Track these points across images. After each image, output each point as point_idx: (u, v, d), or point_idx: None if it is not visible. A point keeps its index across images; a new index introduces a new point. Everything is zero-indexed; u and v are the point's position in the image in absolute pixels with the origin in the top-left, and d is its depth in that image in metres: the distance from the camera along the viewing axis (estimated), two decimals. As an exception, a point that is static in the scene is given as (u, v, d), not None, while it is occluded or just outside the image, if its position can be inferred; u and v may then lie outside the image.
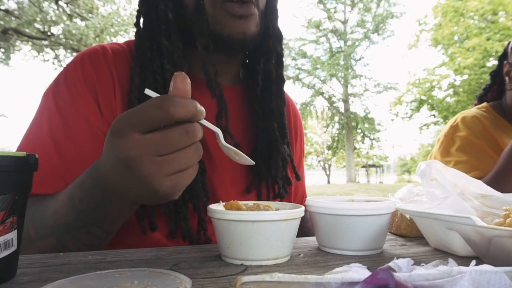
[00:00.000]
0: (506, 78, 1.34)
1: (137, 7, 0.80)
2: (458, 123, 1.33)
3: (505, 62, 1.36)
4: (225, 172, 0.79)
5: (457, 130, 1.32)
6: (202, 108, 0.48)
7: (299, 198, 0.99)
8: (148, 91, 0.48)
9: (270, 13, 0.80)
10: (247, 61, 0.91)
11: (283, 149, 0.82)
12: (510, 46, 1.36)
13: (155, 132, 0.46)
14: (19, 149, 0.71)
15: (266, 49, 0.81)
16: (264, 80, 0.83)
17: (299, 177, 0.89)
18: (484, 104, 1.41)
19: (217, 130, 0.53)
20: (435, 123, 17.27)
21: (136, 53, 0.76)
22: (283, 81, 0.84)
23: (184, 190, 0.68)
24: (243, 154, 0.55)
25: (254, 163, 0.56)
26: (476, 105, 1.53)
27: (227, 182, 0.80)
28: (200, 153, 0.49)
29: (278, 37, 0.82)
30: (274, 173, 0.82)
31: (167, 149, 0.46)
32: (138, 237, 0.71)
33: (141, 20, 0.78)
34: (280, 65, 0.83)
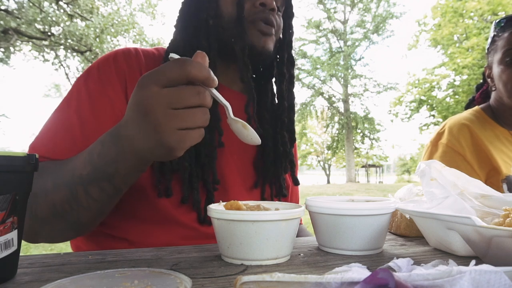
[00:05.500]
0: (489, 80, 1.37)
1: (177, 13, 0.90)
2: (445, 131, 1.35)
3: (485, 66, 1.40)
4: (235, 166, 0.86)
5: (441, 138, 1.35)
6: (215, 78, 0.53)
7: (294, 200, 1.03)
8: (172, 54, 0.54)
9: (286, 44, 0.94)
10: (256, 75, 1.01)
11: (291, 153, 0.92)
12: (486, 51, 1.39)
13: (170, 88, 0.51)
14: (49, 120, 0.77)
15: (281, 72, 0.94)
16: (278, 98, 0.95)
17: (298, 182, 0.98)
18: (476, 107, 1.43)
19: (227, 104, 0.57)
20: (435, 123, 17.26)
21: (171, 49, 0.85)
22: (294, 97, 0.96)
23: (197, 162, 0.78)
24: (251, 129, 0.58)
25: (260, 141, 0.60)
26: (467, 106, 1.55)
27: (236, 174, 0.86)
28: (207, 117, 0.53)
29: (292, 62, 0.96)
30: (280, 173, 0.90)
31: (178, 104, 0.51)
32: (149, 205, 0.76)
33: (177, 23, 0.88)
34: (291, 83, 0.95)
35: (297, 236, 0.63)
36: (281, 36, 0.94)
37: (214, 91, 0.55)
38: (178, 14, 0.90)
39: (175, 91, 0.51)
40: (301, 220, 0.65)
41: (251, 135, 0.58)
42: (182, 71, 0.51)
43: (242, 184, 0.87)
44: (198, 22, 0.84)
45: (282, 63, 0.94)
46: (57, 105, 0.80)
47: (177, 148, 0.53)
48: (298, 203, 1.05)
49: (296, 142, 1.15)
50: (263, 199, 0.89)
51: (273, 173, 0.90)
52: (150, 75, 0.53)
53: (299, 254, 0.58)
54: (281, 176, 0.91)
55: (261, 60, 0.89)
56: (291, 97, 0.96)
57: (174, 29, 0.89)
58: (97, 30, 11.85)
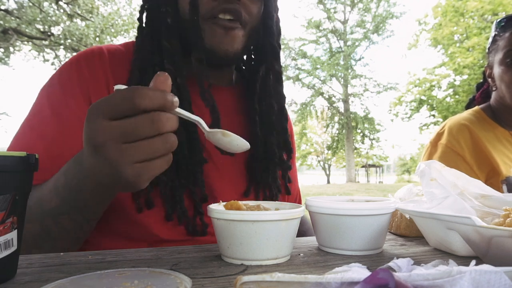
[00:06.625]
0: (489, 80, 1.37)
1: (140, 3, 0.81)
2: (444, 131, 1.35)
3: (486, 66, 1.40)
4: (224, 172, 0.81)
5: (441, 138, 1.34)
6: (174, 99, 0.48)
7: (293, 197, 1.00)
8: (117, 86, 0.49)
9: (265, 32, 0.83)
10: (244, 68, 0.94)
11: (281, 163, 0.85)
12: (486, 51, 1.39)
13: (121, 120, 0.46)
14: (10, 147, 0.72)
15: (264, 66, 0.84)
16: (263, 95, 0.85)
17: (290, 179, 0.91)
18: (476, 108, 1.43)
19: (198, 119, 0.52)
20: (435, 123, 17.27)
21: (137, 47, 0.78)
22: (283, 98, 0.85)
23: (180, 176, 0.71)
24: (233, 134, 0.53)
25: (249, 145, 0.54)
26: (468, 105, 1.55)
27: (227, 185, 0.81)
28: (170, 145, 0.48)
29: (275, 54, 0.84)
30: (271, 181, 0.84)
31: (131, 137, 0.46)
32: (130, 222, 0.71)
33: (144, 15, 0.80)
34: (279, 82, 0.85)
35: (300, 228, 0.61)
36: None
37: (179, 110, 0.49)
38: (141, 3, 0.81)
39: (125, 123, 0.46)
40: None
41: (235, 141, 0.53)
42: (131, 105, 0.45)
43: (234, 193, 0.81)
44: (159, 19, 0.76)
45: (264, 53, 0.83)
46: (20, 125, 0.74)
47: (137, 182, 0.48)
48: (297, 197, 1.02)
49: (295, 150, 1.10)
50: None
51: (264, 181, 0.84)
52: (97, 106, 0.48)
53: (299, 254, 0.58)
54: (273, 184, 0.85)
55: (227, 62, 0.81)
56: (280, 98, 0.85)
57: (138, 23, 0.80)
58: (97, 30, 11.86)
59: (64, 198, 0.58)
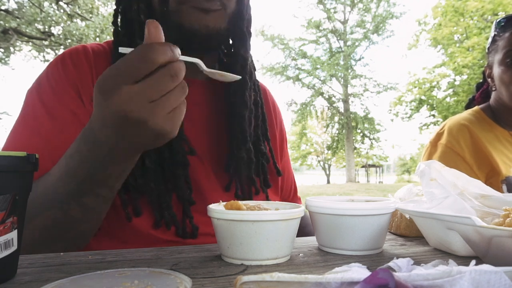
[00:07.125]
0: (489, 80, 1.37)
1: (114, 6, 0.81)
2: (444, 131, 1.35)
3: (485, 66, 1.40)
4: (209, 166, 0.80)
5: (441, 138, 1.34)
6: (177, 48, 0.50)
7: (287, 187, 0.98)
8: (122, 49, 0.50)
9: (235, 16, 0.80)
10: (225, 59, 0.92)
11: (243, 155, 0.80)
12: (486, 51, 1.39)
13: (142, 82, 0.48)
14: (4, 147, 0.71)
15: (231, 51, 0.84)
16: (237, 93, 0.82)
17: (280, 173, 0.89)
18: (475, 108, 1.43)
19: (197, 61, 0.55)
20: (435, 123, 17.28)
21: (114, 50, 0.78)
22: (245, 86, 0.81)
23: (167, 181, 0.72)
24: (227, 73, 0.59)
25: (240, 77, 0.60)
26: (467, 105, 1.55)
27: (211, 175, 0.80)
28: (186, 89, 0.52)
29: (242, 40, 0.82)
30: (249, 175, 0.82)
31: (157, 95, 0.49)
32: (124, 227, 0.72)
33: (119, 19, 0.80)
34: (243, 68, 0.82)
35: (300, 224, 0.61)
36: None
37: (181, 56, 0.52)
38: (115, 7, 0.80)
39: (149, 84, 0.48)
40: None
41: (230, 78, 0.60)
42: (148, 63, 0.47)
43: (219, 186, 0.81)
44: (132, 18, 0.76)
45: (232, 39, 0.82)
46: (12, 127, 0.73)
47: (173, 130, 0.53)
48: (292, 187, 1.01)
49: (286, 137, 1.05)
50: (237, 196, 0.81)
51: (247, 174, 0.82)
52: (114, 76, 0.48)
53: (299, 254, 0.58)
54: (253, 178, 0.83)
55: (211, 42, 0.77)
56: (243, 85, 0.80)
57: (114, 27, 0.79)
58: (97, 30, 11.85)
59: (82, 177, 0.58)
